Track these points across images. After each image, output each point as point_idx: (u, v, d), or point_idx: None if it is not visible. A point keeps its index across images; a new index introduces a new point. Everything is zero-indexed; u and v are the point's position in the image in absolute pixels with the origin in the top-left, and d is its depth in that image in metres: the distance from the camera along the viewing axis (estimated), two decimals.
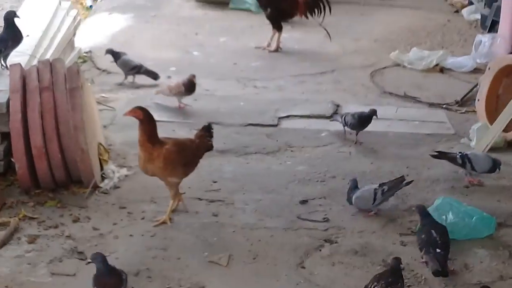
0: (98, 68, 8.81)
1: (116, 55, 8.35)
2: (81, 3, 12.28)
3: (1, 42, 6.66)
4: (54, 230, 5.46)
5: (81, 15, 10.41)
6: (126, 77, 8.33)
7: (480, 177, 6.44)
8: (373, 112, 7.06)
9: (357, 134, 7.09)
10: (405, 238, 5.58)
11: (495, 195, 6.27)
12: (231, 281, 4.98)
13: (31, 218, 5.58)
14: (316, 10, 9.80)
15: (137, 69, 8.30)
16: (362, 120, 7.03)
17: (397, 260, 4.83)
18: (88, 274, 4.74)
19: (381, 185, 5.85)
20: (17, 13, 6.97)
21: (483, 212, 5.76)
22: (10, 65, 6.23)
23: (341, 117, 7.09)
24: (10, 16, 6.77)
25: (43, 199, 5.86)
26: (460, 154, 6.39)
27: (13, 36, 6.69)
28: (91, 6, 12.10)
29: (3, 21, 6.97)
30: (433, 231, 5.21)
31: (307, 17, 9.91)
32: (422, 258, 5.21)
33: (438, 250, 5.11)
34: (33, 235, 5.38)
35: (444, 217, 5.65)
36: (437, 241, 5.15)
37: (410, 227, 5.70)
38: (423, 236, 5.25)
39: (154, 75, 8.39)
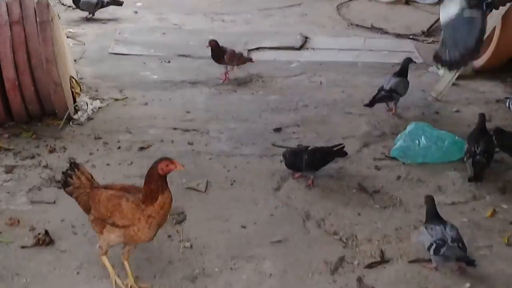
0: (63, 4, 8.75)
1: (76, 1, 8.33)
2: None
3: None
4: (31, 161, 5.44)
5: None
6: (93, 14, 8.28)
7: (450, 104, 6.58)
8: None
9: None
10: (379, 162, 5.62)
11: (465, 120, 6.33)
12: (210, 206, 4.98)
13: (7, 150, 5.57)
14: None
15: (101, 4, 8.29)
16: None
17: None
18: (67, 202, 4.76)
19: None
20: None
21: (455, 135, 5.80)
22: None
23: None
24: None
25: (18, 130, 5.85)
26: (382, 88, 6.39)
27: None
28: None
29: None
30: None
31: None
32: None
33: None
34: (10, 165, 5.37)
35: (417, 141, 5.72)
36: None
37: (384, 152, 5.75)
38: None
39: (117, 2, 8.48)
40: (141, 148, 5.68)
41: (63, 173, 4.21)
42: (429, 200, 4.64)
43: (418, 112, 6.46)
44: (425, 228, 4.54)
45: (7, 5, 5.94)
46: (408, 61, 6.55)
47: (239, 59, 6.95)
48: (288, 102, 6.58)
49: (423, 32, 8.24)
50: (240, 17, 8.48)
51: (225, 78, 6.95)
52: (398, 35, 8.21)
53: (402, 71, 6.45)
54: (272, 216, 4.91)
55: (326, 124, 6.21)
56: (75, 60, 7.01)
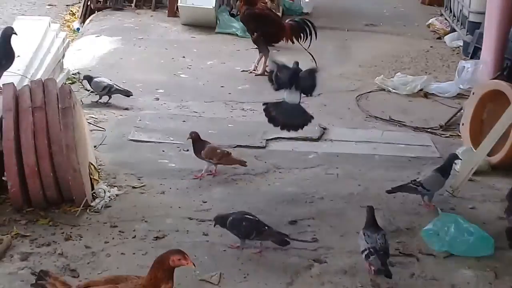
0: (86, 90, 8.79)
1: (89, 79, 8.39)
2: (68, 26, 12.36)
3: None
4: (46, 248, 5.39)
5: (68, 37, 10.46)
6: (100, 97, 8.38)
7: (466, 201, 6.53)
8: None
9: None
10: (393, 258, 5.53)
11: (480, 217, 6.26)
12: None
13: (24, 236, 5.51)
14: (302, 35, 9.89)
15: (108, 89, 8.31)
16: None
17: None
18: None
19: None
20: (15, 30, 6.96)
21: (485, 232, 5.79)
22: (3, 85, 6.19)
23: None
24: (8, 33, 6.78)
25: (35, 217, 5.80)
26: (412, 181, 6.44)
27: (6, 54, 6.69)
28: (78, 29, 12.21)
29: None
30: None
31: (293, 42, 9.99)
32: None
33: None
34: (26, 252, 5.31)
35: (446, 228, 5.75)
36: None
37: (398, 248, 5.69)
38: None
39: (126, 93, 8.45)
40: (156, 238, 5.63)
41: (32, 286, 4.22)
42: (369, 210, 5.51)
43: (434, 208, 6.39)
44: (363, 233, 5.39)
45: (30, 90, 6.01)
46: (453, 157, 6.55)
47: (222, 157, 6.69)
48: (304, 194, 6.54)
49: (441, 126, 8.23)
50: (260, 107, 8.38)
51: (200, 176, 6.72)
52: (416, 128, 8.18)
53: (444, 167, 6.47)
54: None
55: (341, 218, 6.16)
56: (95, 146, 7.05)
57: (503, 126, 6.82)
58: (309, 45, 9.92)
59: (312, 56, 9.87)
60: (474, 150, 7.12)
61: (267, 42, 9.89)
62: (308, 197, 6.51)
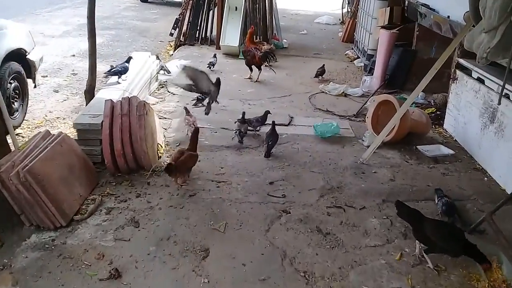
0: (168, 91, 7.12)
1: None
2: (167, 52, 10.51)
3: (123, 71, 5.73)
4: (123, 204, 3.90)
5: (166, 59, 8.71)
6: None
7: (370, 167, 4.85)
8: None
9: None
10: (329, 209, 4.01)
11: (380, 179, 4.63)
12: (226, 244, 3.44)
13: (111, 194, 4.03)
14: (267, 60, 7.99)
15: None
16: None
17: None
18: (139, 239, 3.23)
19: None
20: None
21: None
22: (105, 100, 4.56)
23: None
24: (129, 59, 6.00)
25: (121, 180, 4.29)
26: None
27: (126, 69, 5.71)
28: (171, 55, 10.33)
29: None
30: None
31: (261, 63, 8.01)
32: None
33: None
34: (110, 207, 3.83)
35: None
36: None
37: (332, 202, 4.14)
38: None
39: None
40: (190, 196, 4.08)
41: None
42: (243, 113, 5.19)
43: (351, 172, 4.75)
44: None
45: (121, 103, 4.43)
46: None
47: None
48: (278, 162, 4.91)
49: (354, 115, 6.48)
50: (259, 103, 6.84)
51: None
52: (341, 116, 6.45)
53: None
54: (262, 256, 3.33)
55: (299, 179, 4.55)
56: (165, 129, 5.41)
57: (394, 121, 5.13)
58: (271, 64, 8.09)
59: (274, 71, 8.07)
60: (375, 134, 5.44)
61: (250, 65, 8.03)
62: (280, 165, 4.84)
